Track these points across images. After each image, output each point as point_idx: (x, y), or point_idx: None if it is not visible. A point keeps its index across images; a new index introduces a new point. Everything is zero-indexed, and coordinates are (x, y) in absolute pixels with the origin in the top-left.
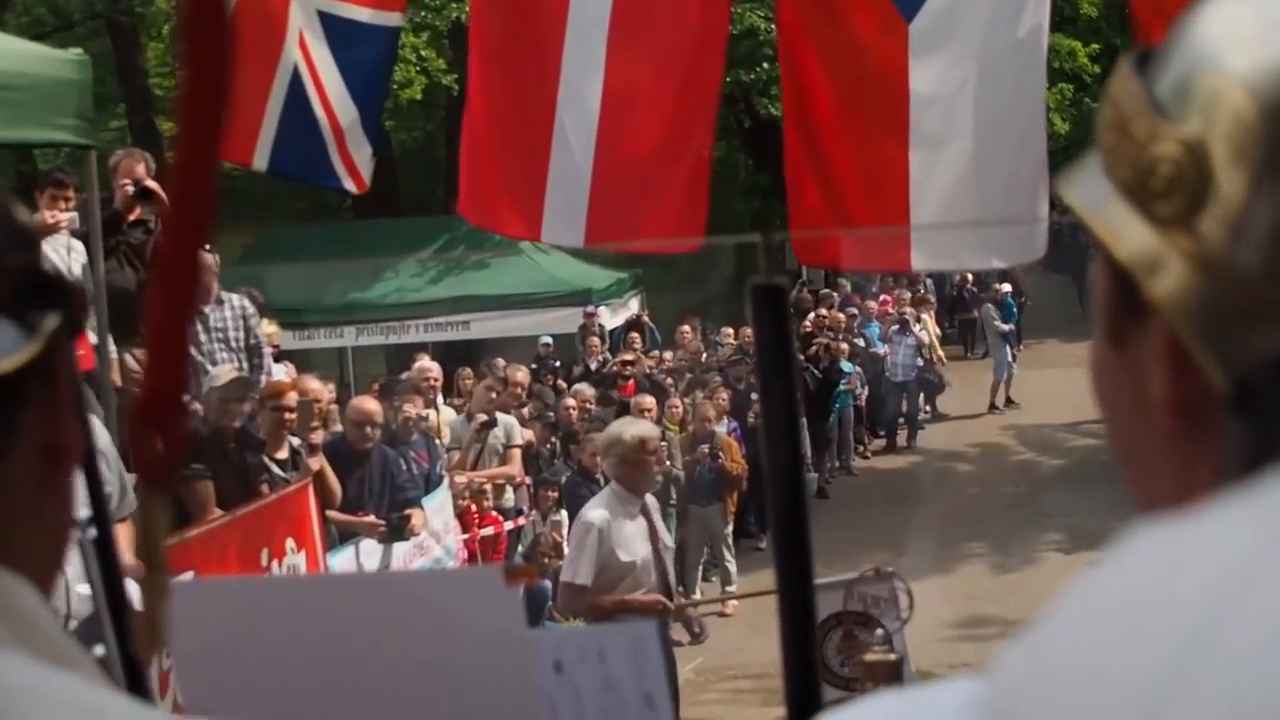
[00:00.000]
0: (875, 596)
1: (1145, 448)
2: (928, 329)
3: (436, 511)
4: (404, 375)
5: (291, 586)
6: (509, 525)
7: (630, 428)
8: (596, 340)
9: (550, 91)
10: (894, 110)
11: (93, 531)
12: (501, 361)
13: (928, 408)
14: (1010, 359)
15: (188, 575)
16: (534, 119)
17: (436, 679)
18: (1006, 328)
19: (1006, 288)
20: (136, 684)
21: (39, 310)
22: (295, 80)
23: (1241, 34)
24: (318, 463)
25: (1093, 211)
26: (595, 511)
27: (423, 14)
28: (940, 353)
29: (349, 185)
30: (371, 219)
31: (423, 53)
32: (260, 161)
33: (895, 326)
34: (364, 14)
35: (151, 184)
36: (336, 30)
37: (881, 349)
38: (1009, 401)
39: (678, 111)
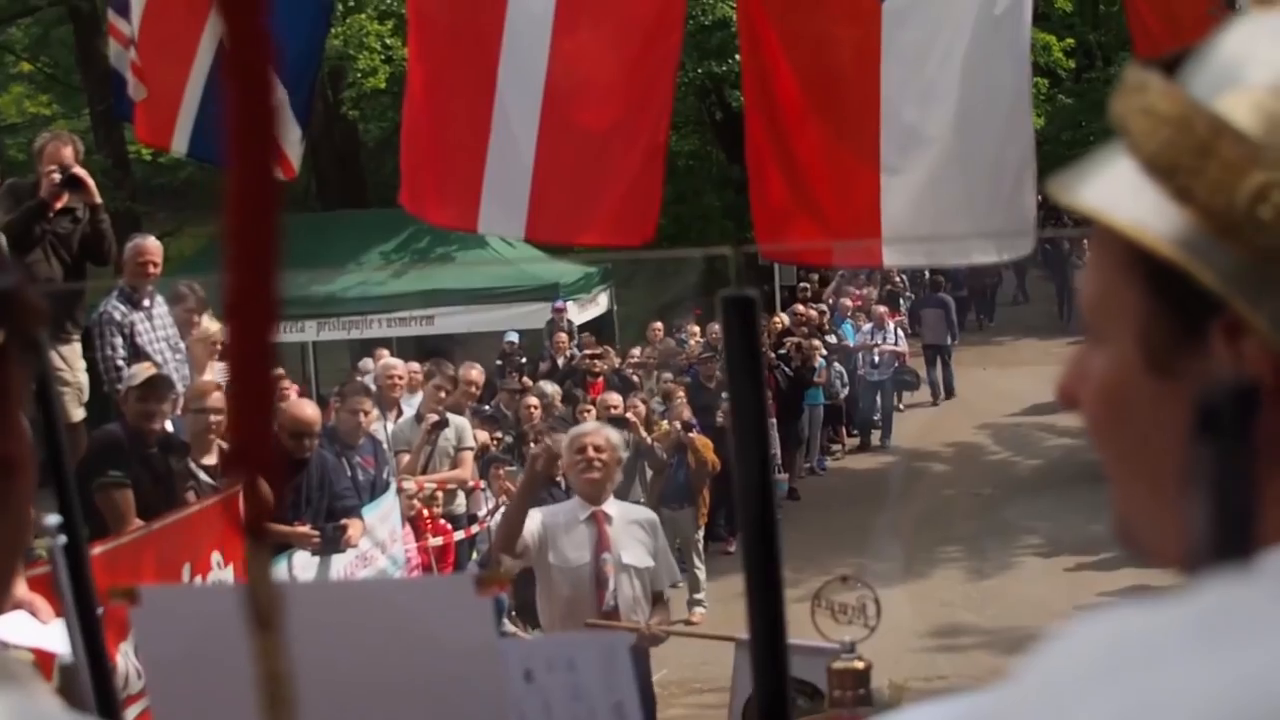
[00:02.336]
0: (843, 604)
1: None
2: (901, 327)
3: (382, 520)
4: (360, 375)
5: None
6: (459, 535)
7: (580, 429)
8: (564, 336)
9: (489, 79)
10: (865, 99)
11: (63, 538)
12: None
13: (900, 406)
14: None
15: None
16: (471, 107)
17: (408, 687)
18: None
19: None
20: (103, 689)
21: None
22: (218, 59)
23: None
24: None
25: (1160, 237)
26: (534, 514)
27: (388, 1)
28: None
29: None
30: (337, 210)
31: (388, 41)
32: (179, 145)
33: (869, 324)
34: None
35: (79, 171)
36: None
37: (853, 342)
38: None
39: (627, 100)
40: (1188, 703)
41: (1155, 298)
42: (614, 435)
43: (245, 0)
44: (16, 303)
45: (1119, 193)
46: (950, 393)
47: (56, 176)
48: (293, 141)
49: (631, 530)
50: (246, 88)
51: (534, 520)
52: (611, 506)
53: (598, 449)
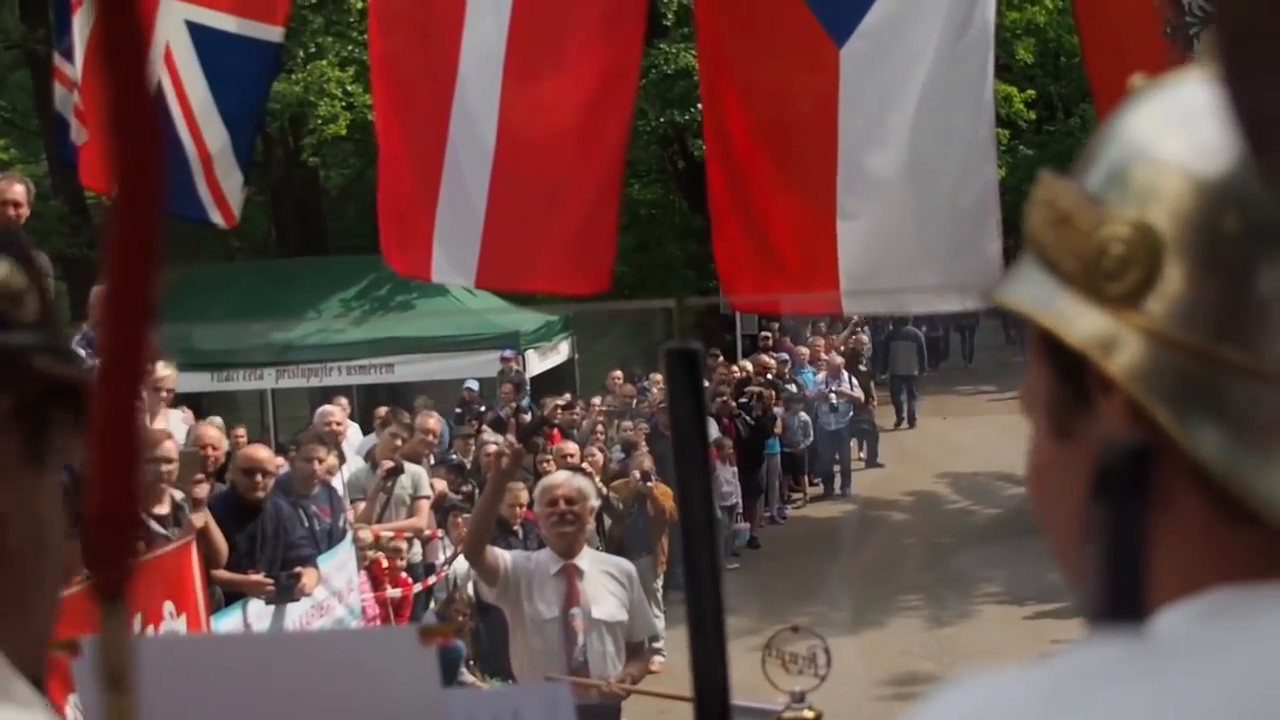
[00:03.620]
0: (793, 654)
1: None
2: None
3: (339, 569)
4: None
5: (206, 644)
6: (418, 587)
7: (551, 480)
8: (510, 387)
9: (442, 125)
10: (822, 147)
11: None
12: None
13: (863, 454)
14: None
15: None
16: (425, 154)
17: None
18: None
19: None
20: None
21: None
22: (158, 98)
23: (1167, 125)
24: (201, 519)
25: (1038, 309)
26: (504, 554)
27: (349, 48)
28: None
29: (216, 218)
30: (297, 257)
31: (349, 87)
32: None
33: (824, 374)
34: (238, 25)
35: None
36: (207, 43)
37: (813, 391)
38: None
39: (580, 147)
40: None
41: (1053, 368)
42: (585, 485)
43: (128, 50)
44: (20, 375)
45: (1021, 280)
46: (912, 422)
47: (11, 214)
48: (233, 187)
49: (605, 582)
50: (129, 142)
51: (505, 556)
52: (584, 559)
53: (569, 501)
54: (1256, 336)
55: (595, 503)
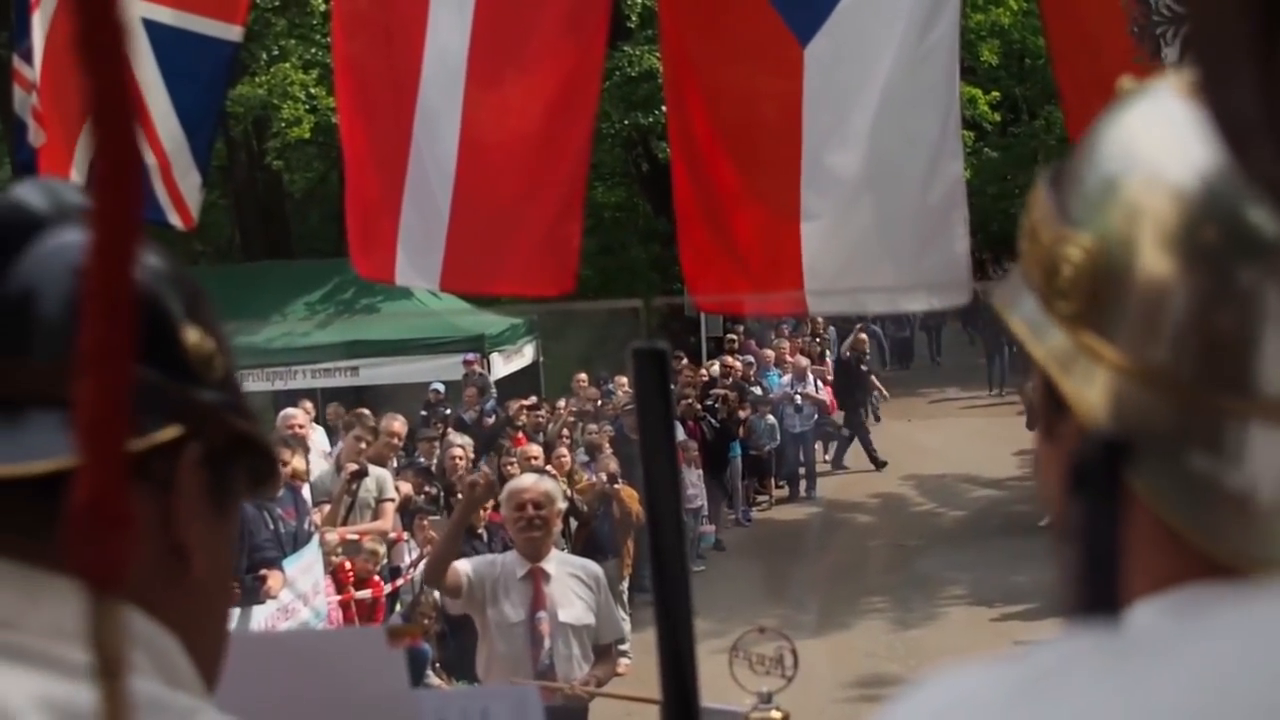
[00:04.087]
0: (761, 655)
1: None
2: (821, 379)
3: (304, 571)
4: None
5: None
6: (388, 588)
7: (518, 483)
8: (474, 391)
9: (405, 128)
10: (786, 150)
11: None
12: (366, 411)
13: (828, 458)
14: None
15: None
16: (388, 157)
17: None
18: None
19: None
20: None
21: (154, 420)
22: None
23: (1139, 139)
24: None
25: (1014, 315)
26: (465, 562)
27: (313, 51)
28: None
29: (174, 219)
30: (261, 261)
31: (312, 90)
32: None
33: (789, 376)
34: (196, 24)
35: None
36: (163, 41)
37: (778, 393)
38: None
39: (544, 150)
40: None
41: (1039, 371)
42: (552, 488)
43: (108, 48)
44: (212, 422)
45: (1009, 283)
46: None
47: None
48: (191, 189)
49: (572, 585)
50: (110, 140)
51: (466, 566)
52: (551, 562)
53: (537, 505)
54: (1222, 367)
55: (562, 505)
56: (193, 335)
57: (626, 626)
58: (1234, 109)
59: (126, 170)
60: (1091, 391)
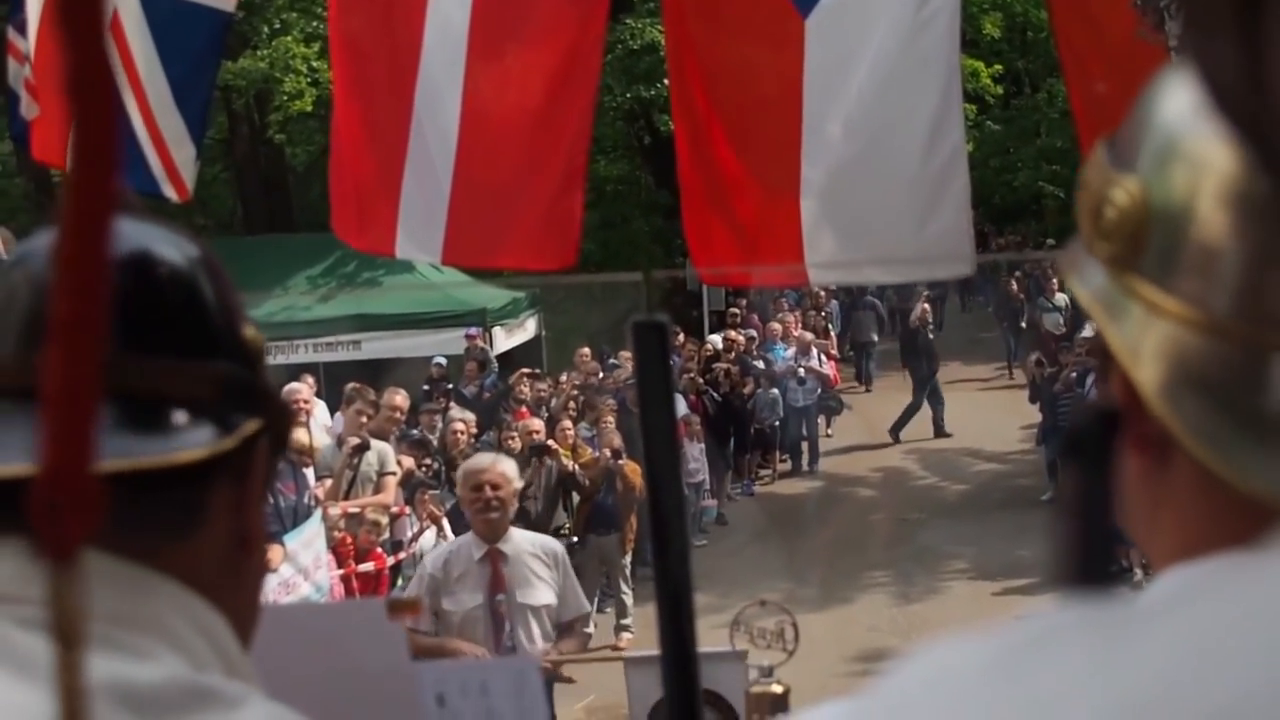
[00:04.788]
0: (762, 629)
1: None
2: (825, 353)
3: (306, 545)
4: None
5: None
6: (390, 560)
7: (475, 463)
8: (474, 365)
9: (405, 102)
10: (787, 122)
11: None
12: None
13: (829, 432)
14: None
15: None
16: (389, 131)
17: (320, 711)
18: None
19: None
20: None
21: (239, 414)
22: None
23: (1188, 95)
24: None
25: (1069, 266)
26: (430, 555)
27: (314, 24)
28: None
29: (169, 191)
30: (263, 235)
31: (314, 64)
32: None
33: (794, 350)
34: None
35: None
36: (158, 12)
37: (781, 366)
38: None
39: (545, 124)
40: None
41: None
42: (510, 468)
43: (87, 20)
44: (273, 403)
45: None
46: (869, 384)
47: None
48: (185, 160)
49: (531, 565)
50: (88, 112)
51: (423, 568)
52: (508, 542)
53: (494, 486)
54: (1256, 306)
55: (519, 485)
56: (250, 328)
57: (629, 600)
58: (1216, 64)
59: (103, 142)
60: (1140, 338)
